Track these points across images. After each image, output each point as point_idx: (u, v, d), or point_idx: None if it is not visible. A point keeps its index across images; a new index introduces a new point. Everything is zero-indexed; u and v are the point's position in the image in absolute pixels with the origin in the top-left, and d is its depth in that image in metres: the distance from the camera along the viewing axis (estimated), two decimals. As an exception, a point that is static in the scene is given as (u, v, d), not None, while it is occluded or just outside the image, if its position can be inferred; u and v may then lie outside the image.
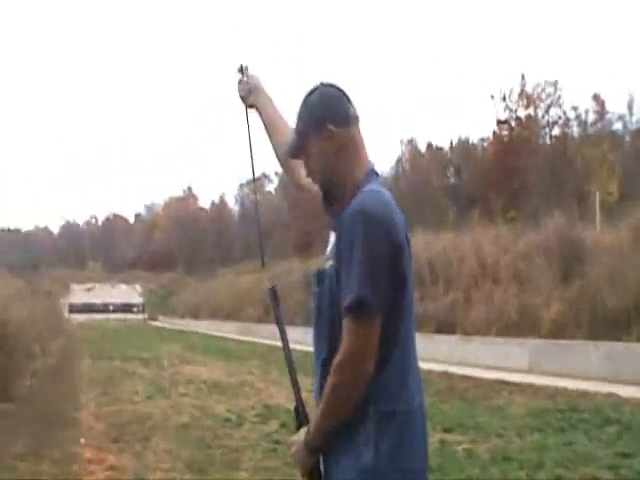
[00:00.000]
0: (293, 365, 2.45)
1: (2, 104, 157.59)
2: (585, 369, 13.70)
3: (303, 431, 2.20)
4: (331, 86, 2.31)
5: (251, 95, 2.74)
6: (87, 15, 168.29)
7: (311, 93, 2.30)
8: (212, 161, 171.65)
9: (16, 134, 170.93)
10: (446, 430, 8.57)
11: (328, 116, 2.23)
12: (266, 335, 31.60)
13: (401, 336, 2.11)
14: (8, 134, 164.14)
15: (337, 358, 2.02)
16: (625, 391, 11.23)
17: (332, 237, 2.21)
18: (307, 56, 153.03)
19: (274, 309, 2.43)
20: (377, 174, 2.28)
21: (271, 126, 2.73)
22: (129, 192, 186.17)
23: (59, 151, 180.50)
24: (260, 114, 2.75)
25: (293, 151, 2.36)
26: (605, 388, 11.71)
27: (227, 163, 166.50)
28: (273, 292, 2.43)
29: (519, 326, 17.17)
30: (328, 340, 2.12)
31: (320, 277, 2.19)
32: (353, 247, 2.01)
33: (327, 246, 2.25)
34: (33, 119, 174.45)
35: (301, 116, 2.31)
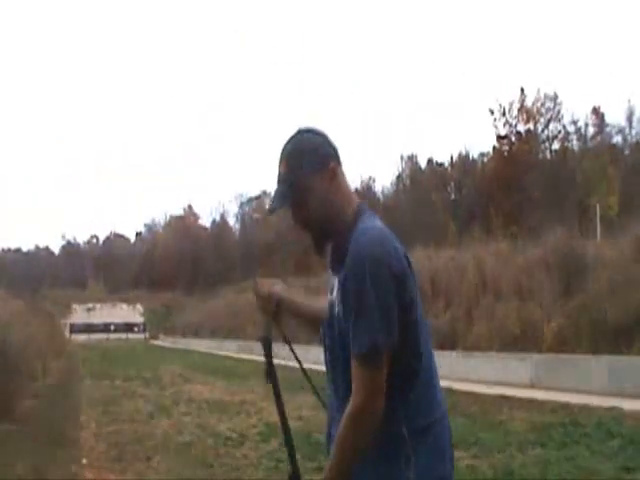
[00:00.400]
0: (290, 433, 2.40)
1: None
2: (587, 383, 13.66)
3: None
4: (314, 130, 2.29)
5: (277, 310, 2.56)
6: (89, 17, 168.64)
7: (299, 136, 2.26)
8: (212, 178, 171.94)
9: (16, 149, 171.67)
10: (449, 446, 8.54)
11: (328, 154, 2.23)
12: (267, 353, 31.58)
13: (422, 350, 2.12)
14: (7, 148, 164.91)
15: (349, 411, 2.01)
16: (627, 405, 11.19)
17: (334, 280, 2.20)
18: (306, 63, 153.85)
19: (267, 362, 2.39)
20: (365, 208, 2.25)
21: (310, 319, 2.57)
22: (129, 210, 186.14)
23: (57, 166, 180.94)
24: (294, 314, 2.62)
25: (280, 202, 2.23)
26: (607, 402, 11.66)
27: (228, 181, 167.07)
28: (267, 342, 2.39)
29: (520, 341, 17.14)
30: (347, 379, 2.07)
31: (330, 321, 2.17)
32: (360, 296, 1.99)
33: (329, 287, 2.24)
34: (32, 131, 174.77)
35: (295, 159, 2.22)
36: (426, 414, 2.10)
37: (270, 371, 2.36)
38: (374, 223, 2.16)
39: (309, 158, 2.20)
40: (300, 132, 2.28)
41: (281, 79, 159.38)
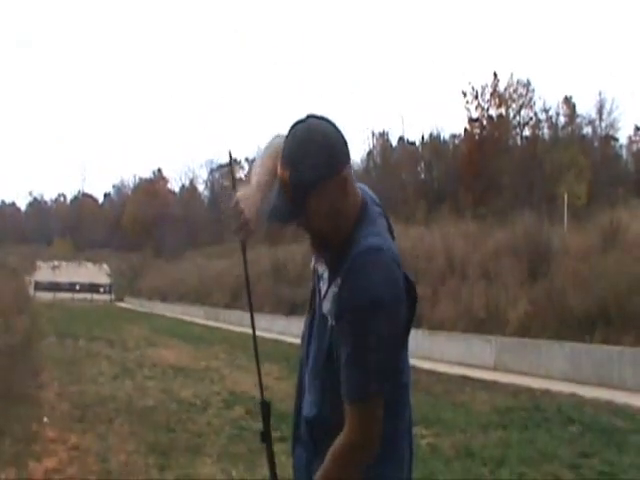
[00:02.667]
0: None
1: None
2: (549, 369, 13.86)
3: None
4: (326, 120, 2.00)
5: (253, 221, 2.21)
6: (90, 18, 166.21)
7: (308, 135, 1.95)
8: (182, 143, 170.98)
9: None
10: (410, 424, 8.61)
11: (341, 157, 1.97)
12: (233, 321, 31.61)
13: (402, 366, 2.10)
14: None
15: (342, 444, 1.95)
16: (587, 392, 11.37)
17: (325, 273, 2.12)
18: (281, 42, 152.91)
19: (265, 427, 2.29)
20: (370, 211, 2.07)
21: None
22: (98, 171, 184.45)
23: (27, 123, 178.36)
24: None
25: (283, 217, 2.01)
26: (568, 388, 11.85)
27: (198, 146, 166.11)
28: (266, 407, 2.30)
29: (485, 323, 17.30)
30: (330, 395, 2.02)
31: (322, 324, 2.09)
32: (356, 339, 1.90)
33: (320, 280, 2.14)
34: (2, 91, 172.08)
35: (301, 163, 1.93)
36: (395, 423, 2.08)
37: (266, 434, 2.28)
38: (378, 241, 1.98)
39: (317, 162, 1.91)
40: (309, 123, 1.98)
41: (281, 79, 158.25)
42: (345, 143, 1.99)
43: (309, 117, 2.00)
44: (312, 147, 1.92)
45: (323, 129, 1.96)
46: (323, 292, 2.09)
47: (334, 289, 2.00)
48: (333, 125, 1.99)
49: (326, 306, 2.05)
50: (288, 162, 1.94)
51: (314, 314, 2.17)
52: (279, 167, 1.98)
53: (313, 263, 2.21)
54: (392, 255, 1.96)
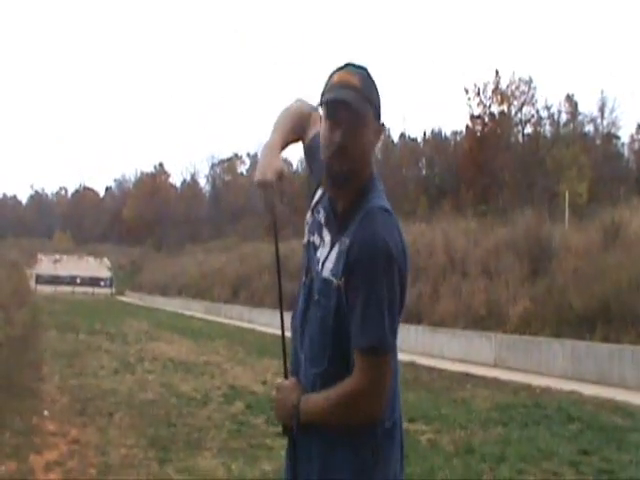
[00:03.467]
0: None
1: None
2: (549, 366, 13.86)
3: (292, 395, 2.11)
4: (360, 67, 2.12)
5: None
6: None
7: (368, 75, 2.10)
8: (184, 138, 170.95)
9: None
10: (410, 420, 8.60)
11: (380, 111, 2.14)
12: (234, 316, 31.64)
13: (395, 350, 2.09)
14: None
15: (351, 387, 1.97)
16: (587, 390, 11.38)
17: (326, 233, 2.14)
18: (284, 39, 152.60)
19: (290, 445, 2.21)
20: (377, 176, 2.21)
21: (297, 134, 2.42)
22: (100, 165, 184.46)
23: (29, 117, 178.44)
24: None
25: (361, 107, 2.03)
26: (568, 386, 11.86)
27: (199, 141, 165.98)
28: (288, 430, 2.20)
29: (486, 320, 17.31)
30: (332, 352, 2.05)
31: (325, 288, 2.07)
32: (372, 286, 1.95)
33: (318, 250, 2.16)
34: (3, 80, 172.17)
35: (372, 88, 2.08)
36: (390, 415, 2.07)
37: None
38: (386, 203, 2.08)
39: (379, 101, 2.12)
40: (367, 70, 2.11)
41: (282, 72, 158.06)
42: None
43: (348, 64, 2.11)
44: (375, 85, 2.10)
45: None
46: (323, 257, 2.11)
47: (341, 247, 2.03)
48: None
49: (328, 267, 2.07)
50: (356, 72, 2.07)
51: (310, 287, 2.15)
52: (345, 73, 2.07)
53: (307, 238, 2.23)
54: (396, 219, 2.07)
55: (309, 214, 2.27)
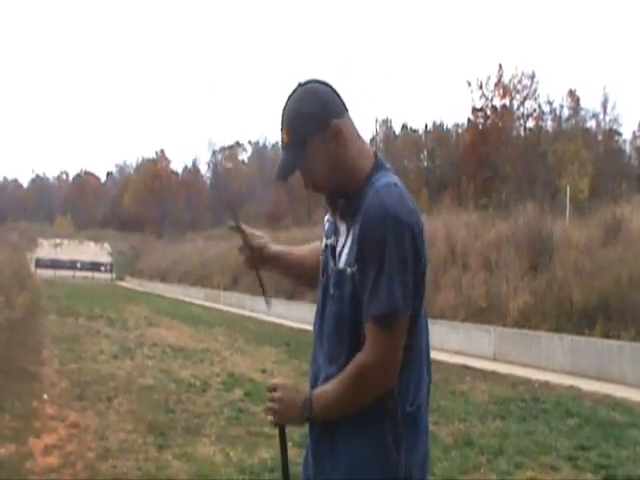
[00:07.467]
0: None
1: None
2: (549, 361, 13.86)
3: (298, 393, 2.09)
4: (315, 81, 2.13)
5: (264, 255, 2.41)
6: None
7: (297, 95, 2.11)
8: (186, 125, 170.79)
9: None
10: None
11: (330, 111, 2.07)
12: (233, 303, 31.66)
13: (419, 326, 2.06)
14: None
15: (363, 360, 1.96)
16: (586, 385, 11.39)
17: (340, 225, 2.14)
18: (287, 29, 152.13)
19: (282, 448, 2.24)
20: (383, 161, 2.17)
21: (294, 265, 2.48)
22: (101, 149, 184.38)
23: (31, 101, 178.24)
24: (278, 265, 2.48)
25: (289, 168, 2.10)
26: (567, 381, 11.86)
27: (201, 128, 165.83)
28: (282, 429, 2.22)
29: (485, 313, 17.31)
30: (349, 345, 2.03)
31: (339, 279, 2.07)
32: (382, 253, 1.93)
33: (328, 231, 2.20)
34: (3, 62, 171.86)
35: (294, 123, 2.08)
36: (414, 398, 2.05)
37: (283, 451, 2.25)
38: (394, 179, 2.09)
39: (307, 120, 2.06)
40: (298, 88, 2.12)
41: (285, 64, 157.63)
42: (333, 97, 2.11)
43: (300, 85, 2.13)
44: (300, 106, 2.08)
45: (312, 87, 2.11)
46: (340, 248, 2.11)
47: (354, 234, 2.03)
48: (324, 83, 2.13)
49: (344, 259, 2.07)
50: (282, 122, 2.10)
51: (326, 285, 2.15)
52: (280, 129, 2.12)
53: (325, 242, 2.22)
54: (407, 191, 2.07)
55: (326, 219, 2.28)
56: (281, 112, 2.12)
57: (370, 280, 1.95)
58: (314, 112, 2.06)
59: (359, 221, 2.00)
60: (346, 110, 2.14)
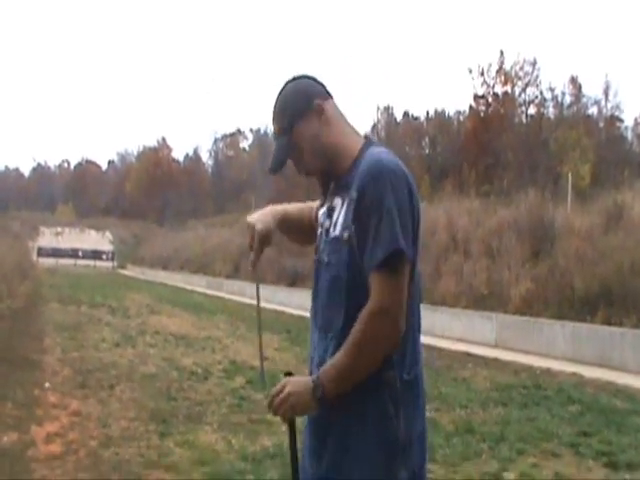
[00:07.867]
0: None
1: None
2: (550, 348, 13.86)
3: (305, 380, 2.07)
4: (300, 76, 2.26)
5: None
6: None
7: (283, 90, 2.24)
8: (187, 113, 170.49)
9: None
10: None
11: (311, 92, 2.20)
12: (235, 291, 31.65)
13: (413, 292, 2.07)
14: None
15: (370, 308, 1.96)
16: (588, 372, 11.38)
17: (337, 201, 2.15)
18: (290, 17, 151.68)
19: (292, 447, 2.21)
20: (374, 140, 2.24)
21: (297, 222, 2.51)
22: (102, 138, 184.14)
23: (32, 89, 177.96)
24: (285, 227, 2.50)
25: (281, 156, 2.20)
26: (569, 368, 11.86)
27: (202, 116, 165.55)
28: (292, 424, 2.19)
29: (487, 300, 17.31)
30: (345, 309, 2.04)
31: (335, 246, 2.09)
32: (382, 202, 1.97)
33: (330, 211, 2.18)
34: (4, 52, 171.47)
35: (280, 111, 2.21)
36: (410, 366, 2.06)
37: (293, 447, 2.22)
38: (387, 151, 2.13)
39: (292, 105, 2.19)
40: (285, 83, 2.26)
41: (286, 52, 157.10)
42: (315, 84, 2.24)
43: (286, 81, 2.26)
44: (285, 96, 2.22)
45: (296, 80, 2.25)
46: (335, 218, 2.14)
47: (350, 199, 2.07)
48: (307, 76, 2.26)
49: (339, 225, 2.10)
50: (272, 115, 2.24)
51: (319, 259, 2.19)
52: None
53: (320, 229, 2.24)
54: (399, 161, 2.09)
55: (321, 213, 2.28)
56: (273, 104, 2.26)
57: (372, 228, 1.98)
58: (296, 98, 2.20)
59: (355, 185, 2.05)
60: (330, 97, 2.24)
